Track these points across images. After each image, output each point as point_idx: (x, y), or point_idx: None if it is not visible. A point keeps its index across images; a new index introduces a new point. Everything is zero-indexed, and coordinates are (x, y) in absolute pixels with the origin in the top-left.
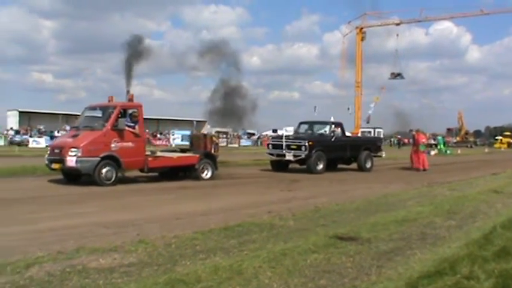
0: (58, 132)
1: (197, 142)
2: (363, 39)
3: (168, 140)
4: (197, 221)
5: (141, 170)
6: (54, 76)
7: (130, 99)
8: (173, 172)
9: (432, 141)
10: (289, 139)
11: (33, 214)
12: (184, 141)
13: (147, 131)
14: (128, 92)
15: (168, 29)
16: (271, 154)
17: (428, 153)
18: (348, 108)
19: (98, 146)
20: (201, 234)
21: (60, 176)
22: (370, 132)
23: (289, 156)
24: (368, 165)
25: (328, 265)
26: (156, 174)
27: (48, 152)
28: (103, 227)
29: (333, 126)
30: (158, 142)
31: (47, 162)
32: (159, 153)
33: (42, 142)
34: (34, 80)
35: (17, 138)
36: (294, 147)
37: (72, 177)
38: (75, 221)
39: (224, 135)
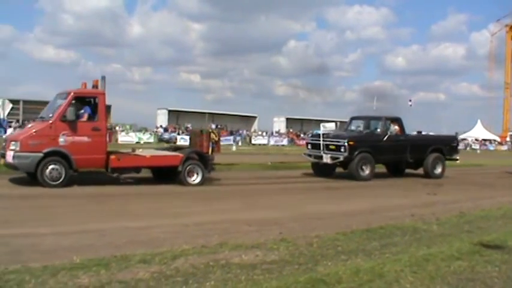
0: None
1: (194, 139)
2: None
3: None
4: (339, 222)
5: (106, 170)
6: (202, 76)
7: (95, 86)
8: (169, 173)
9: None
10: (327, 138)
11: (181, 209)
12: None
13: (113, 124)
14: (102, 78)
15: (313, 30)
16: (309, 155)
17: None
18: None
19: (41, 139)
20: (342, 235)
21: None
22: None
23: (326, 159)
24: (437, 170)
25: (472, 273)
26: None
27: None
28: (246, 224)
29: (387, 122)
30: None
31: None
32: (138, 152)
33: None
34: (182, 80)
35: (166, 135)
36: (333, 147)
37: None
38: (220, 217)
39: None
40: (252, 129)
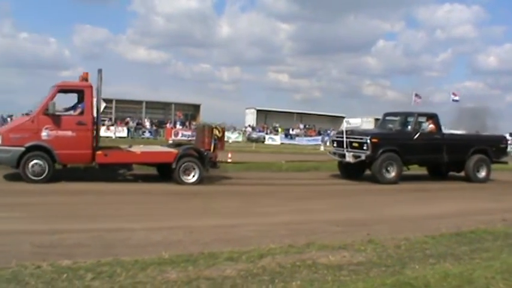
0: (292, 130)
1: (198, 135)
2: None
3: None
4: (428, 224)
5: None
6: (290, 76)
7: (84, 79)
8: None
9: None
10: (351, 135)
11: (268, 208)
12: None
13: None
14: (99, 71)
15: (402, 30)
16: (334, 153)
17: None
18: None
19: (23, 133)
20: (431, 238)
21: (296, 172)
22: None
23: (348, 157)
24: (481, 174)
25: None
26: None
27: None
28: (333, 224)
29: (420, 118)
30: None
31: None
32: (133, 148)
33: (278, 139)
34: (271, 80)
35: (254, 135)
36: (356, 145)
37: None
38: (306, 217)
39: None
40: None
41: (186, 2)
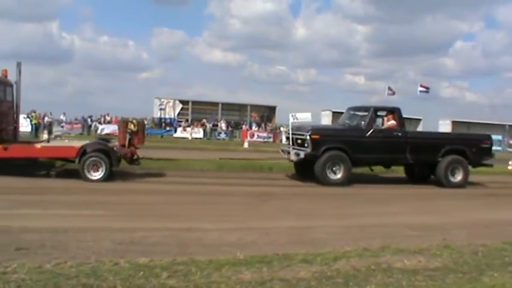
0: None
1: (118, 131)
2: None
3: None
4: (505, 231)
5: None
6: (366, 78)
7: (4, 76)
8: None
9: None
10: (298, 130)
11: (342, 210)
12: None
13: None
14: (18, 64)
15: (480, 30)
16: (283, 151)
17: None
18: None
19: None
20: (510, 245)
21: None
22: None
23: (292, 155)
24: (456, 178)
25: None
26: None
27: None
28: (409, 228)
29: (380, 113)
30: None
31: None
32: (47, 143)
33: None
34: (347, 82)
35: None
36: (300, 142)
37: None
38: (381, 220)
39: None
40: None
41: (262, 4)
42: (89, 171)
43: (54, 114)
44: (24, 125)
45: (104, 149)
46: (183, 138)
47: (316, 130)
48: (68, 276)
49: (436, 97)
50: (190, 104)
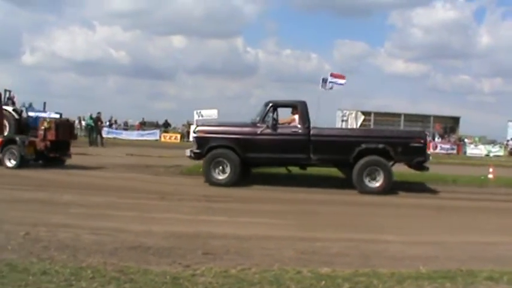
0: None
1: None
2: None
3: None
4: None
5: None
6: None
7: None
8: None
9: None
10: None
11: None
12: None
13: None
14: None
15: None
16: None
17: None
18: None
19: None
20: None
21: None
22: None
23: (187, 154)
24: (372, 183)
25: None
26: None
27: None
28: None
29: (275, 108)
30: None
31: None
32: None
33: None
34: None
35: None
36: None
37: None
38: None
39: None
40: None
41: (444, 12)
42: (9, 160)
43: None
44: None
45: (15, 140)
46: None
47: (201, 127)
48: (251, 282)
49: None
50: (372, 115)
